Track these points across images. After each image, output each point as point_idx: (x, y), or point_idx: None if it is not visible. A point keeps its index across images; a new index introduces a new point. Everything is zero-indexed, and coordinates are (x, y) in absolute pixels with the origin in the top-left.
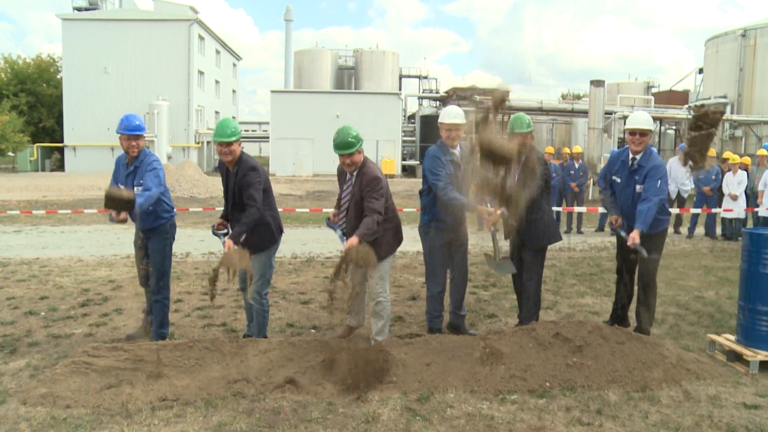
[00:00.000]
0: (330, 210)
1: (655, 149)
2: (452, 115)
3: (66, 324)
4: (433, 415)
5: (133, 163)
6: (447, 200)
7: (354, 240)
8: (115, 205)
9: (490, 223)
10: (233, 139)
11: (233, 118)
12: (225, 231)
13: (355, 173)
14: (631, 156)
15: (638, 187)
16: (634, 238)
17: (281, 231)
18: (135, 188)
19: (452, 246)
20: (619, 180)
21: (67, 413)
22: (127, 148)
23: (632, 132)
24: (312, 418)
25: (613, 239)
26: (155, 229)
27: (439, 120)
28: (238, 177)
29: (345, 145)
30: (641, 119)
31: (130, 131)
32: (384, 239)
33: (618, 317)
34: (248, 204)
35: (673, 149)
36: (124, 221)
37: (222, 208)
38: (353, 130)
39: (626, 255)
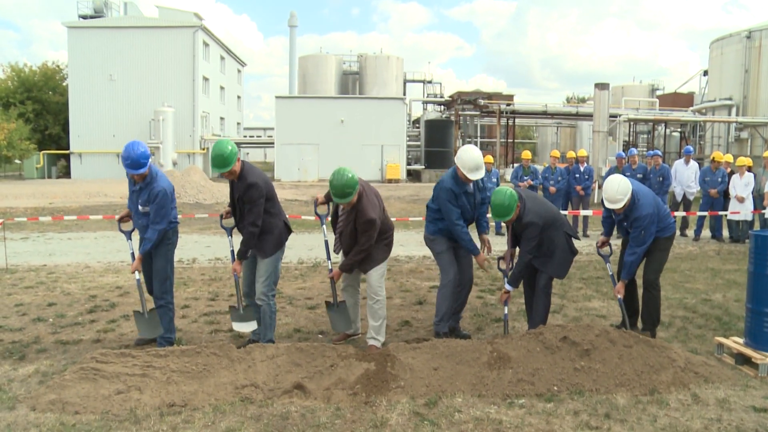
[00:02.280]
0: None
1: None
2: (474, 169)
3: (74, 330)
4: (441, 419)
5: (139, 183)
6: (455, 234)
7: (337, 272)
8: (143, 326)
9: (503, 298)
10: (230, 167)
11: (227, 137)
12: (233, 224)
13: (348, 209)
14: None
15: (630, 231)
16: (619, 290)
17: (289, 231)
18: (140, 206)
19: (459, 250)
20: (615, 218)
21: (76, 419)
22: (132, 178)
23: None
24: (320, 424)
25: (619, 242)
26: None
27: (459, 167)
28: (239, 191)
29: (343, 195)
30: (613, 197)
31: (134, 170)
32: (378, 251)
33: (631, 324)
34: (247, 224)
35: (678, 152)
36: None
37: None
38: (346, 178)
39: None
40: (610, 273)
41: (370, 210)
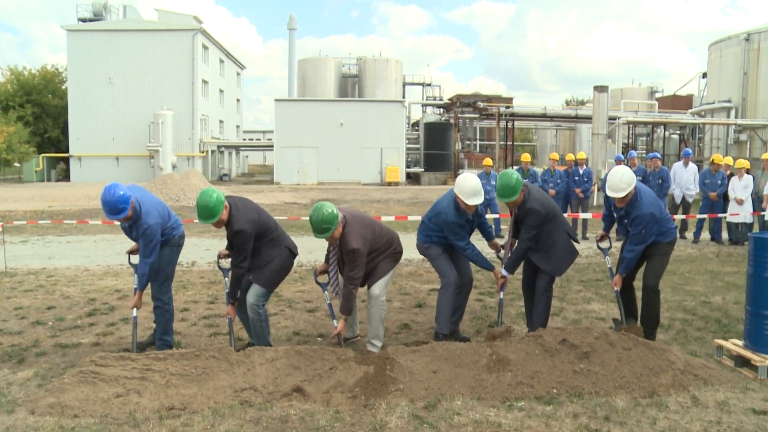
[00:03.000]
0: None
1: (653, 158)
2: (473, 194)
3: (73, 333)
4: (440, 422)
5: (128, 222)
6: (467, 257)
7: (341, 325)
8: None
9: (500, 284)
10: (216, 218)
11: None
12: (228, 267)
13: (335, 243)
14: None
15: (630, 228)
16: (616, 283)
17: (294, 255)
18: (134, 235)
19: (455, 252)
20: (615, 215)
21: (75, 423)
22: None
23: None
24: (319, 427)
25: (618, 244)
26: (166, 242)
27: (459, 195)
28: (228, 236)
29: (319, 230)
30: (616, 185)
31: (114, 215)
32: (384, 263)
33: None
34: (232, 265)
35: (678, 154)
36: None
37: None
38: (324, 214)
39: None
40: (609, 266)
41: (353, 240)
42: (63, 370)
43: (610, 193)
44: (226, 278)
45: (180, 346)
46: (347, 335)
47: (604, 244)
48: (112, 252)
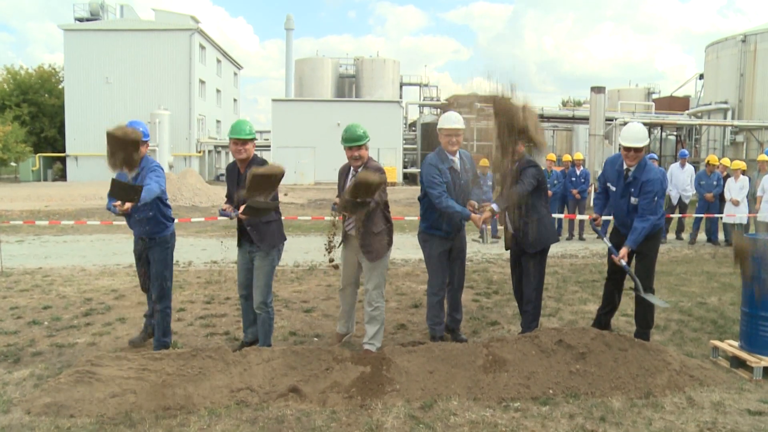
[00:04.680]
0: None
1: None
2: (452, 120)
3: (69, 333)
4: (436, 423)
5: (135, 168)
6: (442, 208)
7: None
8: (121, 195)
9: (481, 222)
10: (249, 137)
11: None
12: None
13: (360, 169)
14: (625, 167)
15: (633, 199)
16: (623, 256)
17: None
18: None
19: (452, 253)
20: (614, 189)
21: (71, 423)
22: None
23: (627, 148)
24: (315, 427)
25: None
26: (156, 239)
27: (438, 126)
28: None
29: (355, 138)
30: (636, 136)
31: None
32: (382, 240)
33: (601, 323)
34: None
35: (674, 155)
36: (126, 213)
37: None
38: (361, 127)
39: (614, 266)
40: (609, 245)
41: (379, 165)
42: (59, 370)
43: (629, 144)
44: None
45: (177, 346)
46: (341, 331)
47: (599, 224)
48: (109, 252)
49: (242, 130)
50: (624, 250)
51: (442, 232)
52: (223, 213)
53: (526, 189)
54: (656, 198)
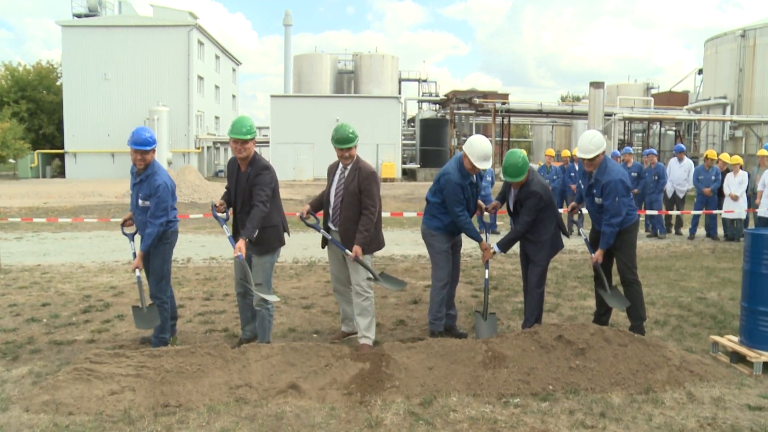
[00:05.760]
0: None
1: (649, 155)
2: (483, 158)
3: (68, 331)
4: (436, 419)
5: (140, 175)
6: (459, 224)
7: (358, 251)
8: (140, 322)
9: (486, 257)
10: (249, 137)
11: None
12: (225, 216)
13: (349, 166)
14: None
15: (597, 199)
16: (597, 258)
17: (287, 233)
18: (139, 200)
19: (453, 247)
20: (583, 186)
21: (70, 420)
22: (135, 161)
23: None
24: (315, 424)
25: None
26: (160, 236)
27: (468, 155)
28: (251, 176)
29: (345, 140)
30: (586, 147)
31: (138, 145)
32: (375, 235)
33: (601, 324)
34: (256, 203)
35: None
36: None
37: (224, 191)
38: (350, 127)
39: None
40: (584, 237)
41: (370, 165)
42: (57, 367)
43: (579, 155)
44: (222, 224)
45: (175, 343)
46: (346, 330)
47: (576, 217)
48: (107, 249)
49: (242, 129)
50: (598, 253)
51: (450, 230)
52: (215, 216)
53: (526, 227)
54: (617, 198)
